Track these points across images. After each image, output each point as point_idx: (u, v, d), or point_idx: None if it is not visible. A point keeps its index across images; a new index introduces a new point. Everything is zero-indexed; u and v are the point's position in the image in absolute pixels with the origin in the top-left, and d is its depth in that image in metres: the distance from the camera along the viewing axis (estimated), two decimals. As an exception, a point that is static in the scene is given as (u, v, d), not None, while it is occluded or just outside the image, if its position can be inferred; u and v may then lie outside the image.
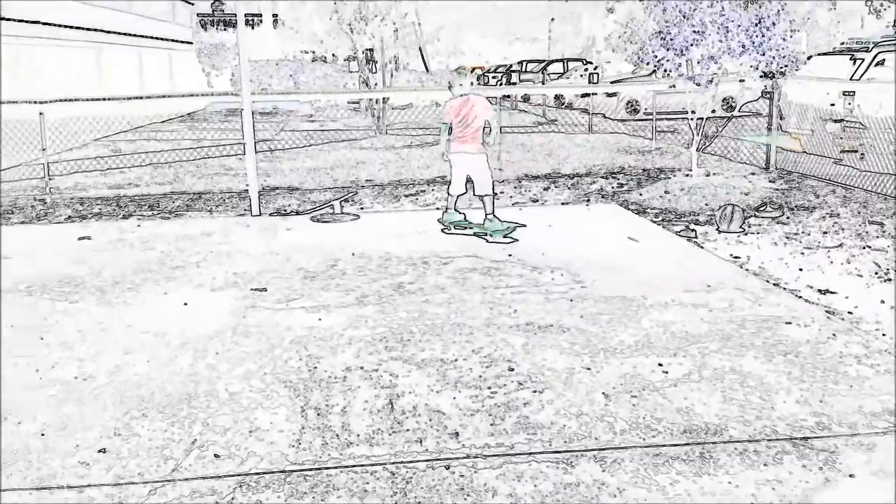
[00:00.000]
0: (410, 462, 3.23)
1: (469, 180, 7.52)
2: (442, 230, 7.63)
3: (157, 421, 3.66)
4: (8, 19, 14.81)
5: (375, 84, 19.08)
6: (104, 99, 11.62)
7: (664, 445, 3.35)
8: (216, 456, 3.31)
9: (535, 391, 3.89)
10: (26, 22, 15.55)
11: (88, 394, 3.98)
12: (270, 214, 8.76)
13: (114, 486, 3.10)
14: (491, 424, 3.55)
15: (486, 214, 7.42)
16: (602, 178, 10.72)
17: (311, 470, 3.18)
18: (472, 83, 7.58)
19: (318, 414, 3.69)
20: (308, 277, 6.06)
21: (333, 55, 32.39)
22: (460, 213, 7.73)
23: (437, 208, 8.91)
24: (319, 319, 5.06)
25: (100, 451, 3.38)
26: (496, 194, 7.61)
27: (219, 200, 9.63)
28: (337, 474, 3.15)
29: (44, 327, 4.99)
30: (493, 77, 36.89)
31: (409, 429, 3.52)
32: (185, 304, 5.46)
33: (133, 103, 13.29)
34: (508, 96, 25.98)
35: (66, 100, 10.36)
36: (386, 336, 4.71)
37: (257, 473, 3.17)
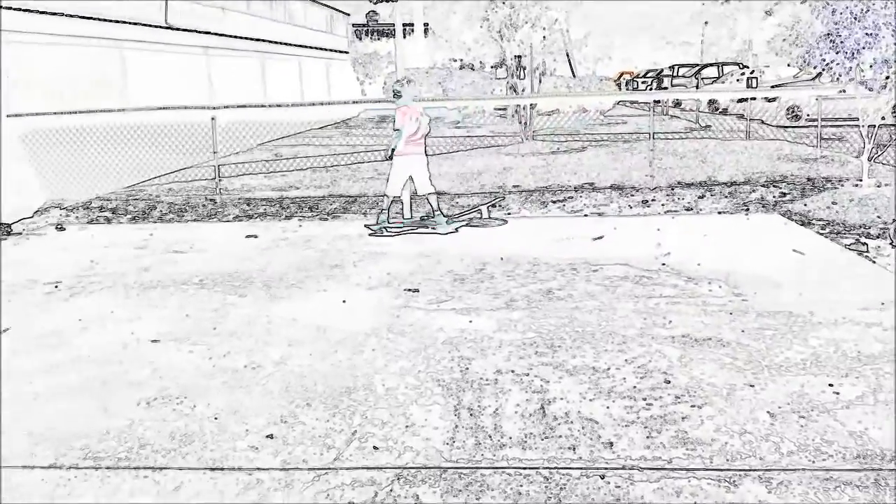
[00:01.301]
0: (564, 468, 3.21)
1: (408, 181, 8.14)
2: (372, 234, 8.03)
3: (320, 411, 3.83)
4: (190, 30, 15.99)
5: (523, 90, 19.12)
6: (268, 106, 12.31)
7: (836, 469, 3.14)
8: (375, 448, 3.43)
9: (693, 405, 3.76)
10: (204, 33, 16.74)
11: (256, 382, 4.22)
12: (421, 218, 8.96)
13: (281, 471, 3.27)
14: (647, 437, 3.47)
15: (434, 211, 8.15)
16: (762, 186, 10.22)
17: (465, 468, 3.23)
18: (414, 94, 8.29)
19: (471, 414, 3.74)
20: (458, 280, 6.15)
21: (481, 63, 32.77)
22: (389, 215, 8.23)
23: (586, 215, 8.81)
24: (470, 322, 5.12)
25: (267, 436, 3.59)
26: (438, 193, 8.30)
27: (372, 203, 9.96)
28: (491, 475, 3.17)
29: (215, 319, 5.35)
30: (643, 82, 36.03)
31: (561, 435, 3.50)
32: (343, 301, 5.69)
33: (293, 110, 14.00)
34: (658, 101, 25.27)
35: (234, 106, 11.06)
36: (536, 341, 4.71)
37: (414, 468, 3.25)
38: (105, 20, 13.23)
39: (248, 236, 8.03)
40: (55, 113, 9.96)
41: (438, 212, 8.19)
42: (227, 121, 11.26)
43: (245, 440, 3.55)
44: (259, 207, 9.83)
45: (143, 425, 3.73)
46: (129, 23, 13.98)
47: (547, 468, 3.21)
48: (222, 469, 3.30)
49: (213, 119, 10.23)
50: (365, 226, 8.39)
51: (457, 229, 8.13)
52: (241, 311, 5.48)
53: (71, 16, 12.28)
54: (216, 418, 3.79)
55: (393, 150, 8.08)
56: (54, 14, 11.81)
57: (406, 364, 4.42)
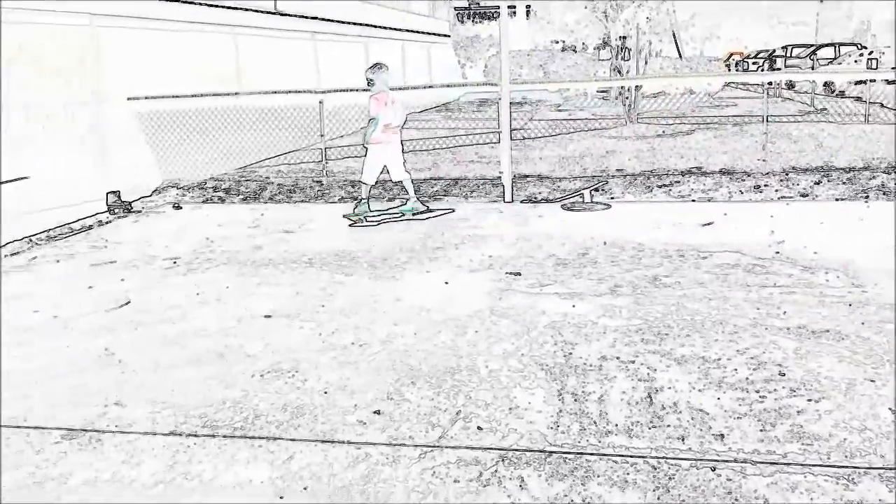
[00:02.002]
0: (673, 458, 3.15)
1: (384, 171, 8.10)
2: (352, 225, 7.84)
3: (425, 390, 3.89)
4: (298, 16, 16.40)
5: (628, 71, 18.69)
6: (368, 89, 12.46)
7: (969, 475, 2.96)
8: (479, 428, 3.46)
9: (810, 399, 3.61)
10: (311, 18, 17.13)
11: (364, 359, 4.32)
12: (522, 201, 8.93)
13: (387, 446, 3.35)
14: (760, 430, 3.36)
15: (411, 197, 8.17)
16: (883, 173, 9.65)
17: (570, 453, 3.21)
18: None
19: (575, 399, 3.71)
20: (560, 264, 6.10)
21: (583, 44, 32.20)
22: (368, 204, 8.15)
23: (694, 200, 8.56)
24: (573, 306, 5.07)
25: (375, 412, 3.67)
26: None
27: (473, 186, 9.99)
28: (596, 461, 3.15)
29: (324, 296, 5.50)
30: (754, 63, 34.60)
31: (669, 425, 3.43)
32: (446, 282, 5.74)
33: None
34: (771, 83, 24.21)
35: (340, 90, 11.28)
36: (642, 328, 4.62)
37: (518, 450, 3.26)
38: (220, 6, 13.73)
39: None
40: (172, 96, 10.42)
41: (415, 198, 8.21)
42: (333, 104, 11.49)
43: (353, 415, 3.65)
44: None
45: (257, 397, 3.88)
46: (242, 9, 14.45)
47: (655, 457, 3.16)
48: (332, 442, 3.40)
49: (320, 103, 10.47)
50: (344, 216, 8.22)
51: (429, 209, 8.27)
52: (347, 290, 5.62)
53: (190, 2, 12.80)
54: (326, 392, 3.91)
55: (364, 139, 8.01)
56: (175, 0, 12.34)
57: (509, 347, 4.43)
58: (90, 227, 8.17)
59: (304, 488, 3.04)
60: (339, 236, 7.35)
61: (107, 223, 8.40)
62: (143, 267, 6.48)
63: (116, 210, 8.78)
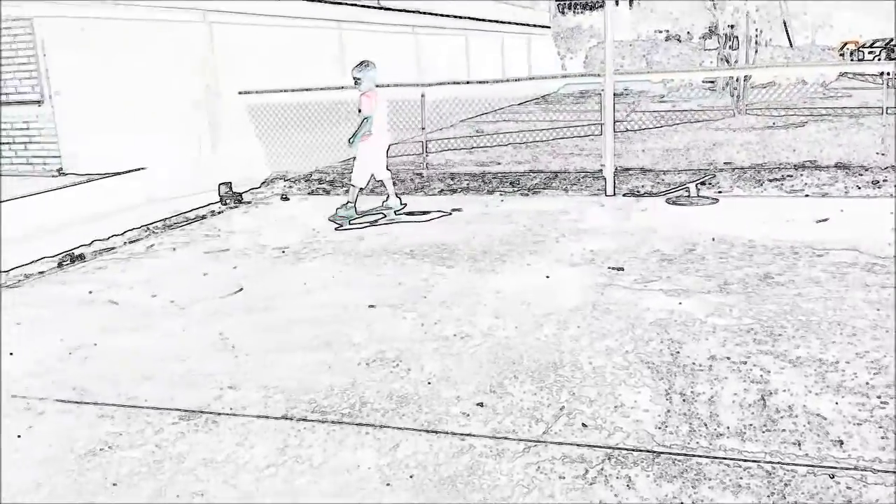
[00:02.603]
0: (789, 464, 3.03)
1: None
2: (338, 228, 7.57)
3: (527, 384, 3.88)
4: (400, 10, 16.61)
5: (736, 61, 18.03)
6: (472, 82, 12.51)
7: None
8: (584, 425, 3.42)
9: (939, 408, 3.40)
10: (413, 12, 17.31)
11: (466, 351, 4.35)
12: (624, 195, 8.76)
13: (491, 439, 3.36)
14: (881, 437, 3.19)
15: (391, 194, 8.09)
16: None
17: (680, 455, 3.14)
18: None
19: (684, 399, 3.62)
20: (665, 260, 5.96)
21: (688, 33, 31.26)
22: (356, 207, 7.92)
23: (808, 195, 8.19)
24: (680, 303, 4.95)
25: (478, 404, 3.69)
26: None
27: (573, 179, 9.87)
28: (707, 463, 3.06)
29: (426, 287, 5.56)
30: (870, 52, 32.77)
31: (784, 429, 3.30)
32: (547, 276, 5.70)
33: (495, 86, 14.16)
34: (891, 73, 22.85)
35: (441, 83, 11.35)
36: (753, 328, 4.46)
37: (626, 449, 3.21)
38: (326, 2, 14.05)
39: (452, 210, 8.25)
40: (281, 90, 10.74)
41: (395, 194, 8.16)
42: (434, 98, 11.58)
43: (457, 406, 3.68)
44: (462, 182, 10.05)
45: (363, 385, 3.97)
46: (347, 4, 14.74)
47: (770, 462, 3.05)
48: (437, 432, 3.44)
49: (422, 96, 10.56)
50: (329, 219, 7.97)
51: (404, 204, 8.23)
52: (448, 282, 5.66)
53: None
54: (429, 383, 3.95)
55: (352, 137, 7.78)
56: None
57: (612, 343, 4.36)
58: (204, 217, 8.53)
59: (410, 476, 3.09)
60: (439, 229, 7.41)
61: (219, 213, 8.76)
62: (254, 255, 6.72)
63: (228, 201, 9.13)
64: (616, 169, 9.16)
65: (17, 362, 4.48)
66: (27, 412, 3.85)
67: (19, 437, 3.59)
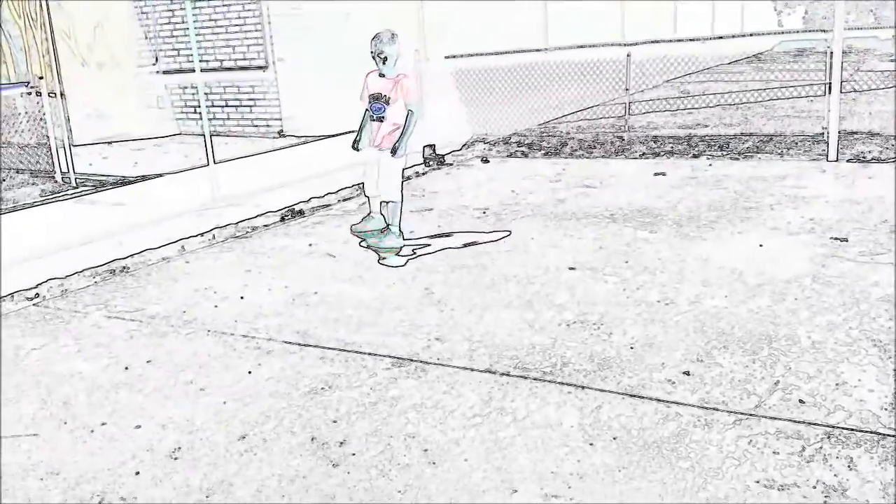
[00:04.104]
0: None
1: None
2: (361, 243, 6.06)
3: (738, 355, 3.73)
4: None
5: None
6: (680, 40, 11.95)
7: None
8: (801, 402, 3.24)
9: None
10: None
11: (670, 318, 4.24)
12: (848, 160, 8.07)
13: (699, 409, 3.27)
14: None
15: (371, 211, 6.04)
16: None
17: (912, 440, 2.90)
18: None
19: (917, 382, 3.32)
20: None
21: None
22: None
23: None
24: (914, 279, 4.51)
25: (684, 372, 3.60)
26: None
27: (790, 143, 9.21)
28: (945, 452, 2.81)
29: (627, 252, 5.46)
30: None
31: None
32: (760, 245, 5.40)
33: (703, 44, 13.43)
34: None
35: (647, 42, 10.96)
36: None
37: (847, 429, 3.01)
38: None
39: (656, 174, 8.00)
40: (484, 54, 10.87)
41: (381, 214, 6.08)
42: (638, 58, 11.21)
43: (662, 373, 3.61)
44: (666, 145, 9.70)
45: (564, 345, 4.00)
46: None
47: None
48: (641, 397, 3.40)
49: (628, 55, 10.26)
50: (353, 233, 6.21)
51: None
52: (652, 247, 5.52)
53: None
54: (632, 348, 3.91)
55: (398, 140, 5.65)
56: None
57: (834, 318, 4.07)
58: (409, 178, 8.88)
59: (614, 438, 3.08)
60: (641, 193, 7.22)
61: (423, 174, 9.08)
62: (456, 215, 6.92)
63: (431, 162, 9.43)
64: (840, 133, 8.43)
65: (247, 306, 4.94)
66: (257, 350, 4.24)
67: (250, 373, 3.98)
